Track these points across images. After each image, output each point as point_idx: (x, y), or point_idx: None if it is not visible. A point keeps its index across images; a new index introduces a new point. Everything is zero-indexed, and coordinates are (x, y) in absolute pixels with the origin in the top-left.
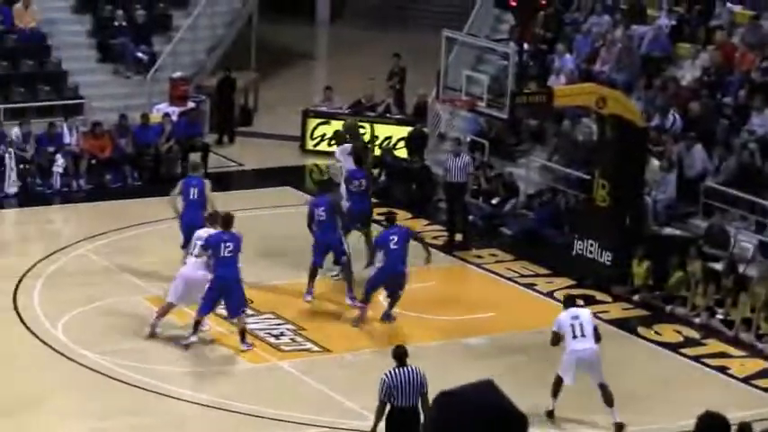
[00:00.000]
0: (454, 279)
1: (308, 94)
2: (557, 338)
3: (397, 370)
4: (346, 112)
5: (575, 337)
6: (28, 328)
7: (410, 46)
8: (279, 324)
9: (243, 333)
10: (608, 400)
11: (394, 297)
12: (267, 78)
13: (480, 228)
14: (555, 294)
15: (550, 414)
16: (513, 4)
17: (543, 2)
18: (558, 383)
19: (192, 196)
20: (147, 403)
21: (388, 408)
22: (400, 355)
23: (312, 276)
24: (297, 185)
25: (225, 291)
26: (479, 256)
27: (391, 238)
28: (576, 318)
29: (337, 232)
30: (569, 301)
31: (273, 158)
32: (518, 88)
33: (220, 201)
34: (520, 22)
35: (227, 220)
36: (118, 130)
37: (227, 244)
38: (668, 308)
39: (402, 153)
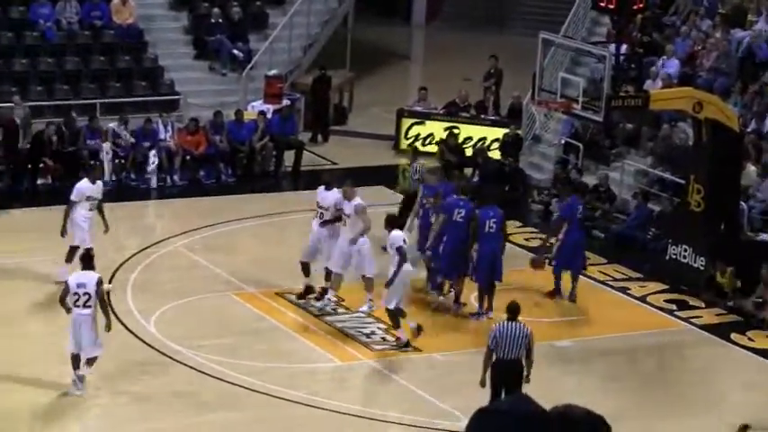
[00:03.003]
0: (545, 281)
1: (402, 95)
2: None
3: (506, 323)
4: (441, 112)
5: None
6: (121, 321)
7: (506, 47)
8: (370, 322)
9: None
10: None
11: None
12: (362, 78)
13: None
14: (648, 299)
15: None
16: (611, 6)
17: (640, 4)
18: None
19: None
20: (238, 399)
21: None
22: (513, 309)
23: (488, 294)
24: (390, 185)
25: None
26: None
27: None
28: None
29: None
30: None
31: (367, 157)
32: (614, 91)
33: (313, 199)
34: (617, 25)
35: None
36: (212, 126)
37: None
38: (762, 315)
39: (496, 154)
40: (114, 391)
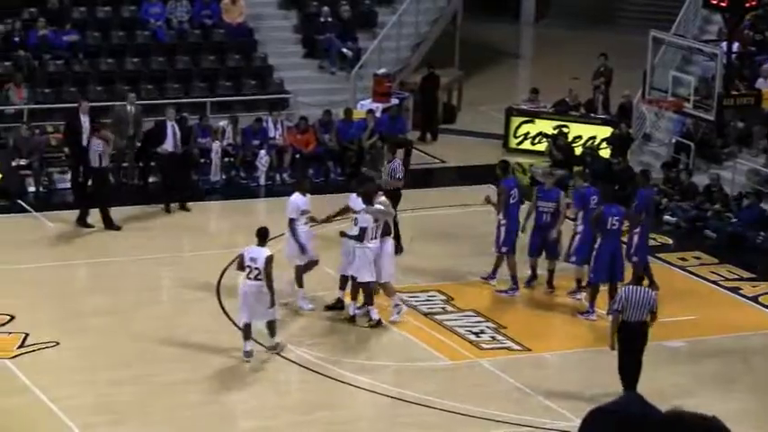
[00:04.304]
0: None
1: (511, 93)
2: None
3: (632, 287)
4: (550, 110)
5: None
6: (230, 319)
7: (616, 45)
8: (479, 321)
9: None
10: None
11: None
12: (471, 76)
13: (683, 229)
14: (760, 299)
15: None
16: (723, 4)
17: (753, 2)
18: None
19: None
20: (344, 397)
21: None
22: (639, 278)
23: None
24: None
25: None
26: (683, 258)
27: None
28: None
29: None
30: None
31: (476, 156)
32: (725, 90)
33: (422, 197)
34: (729, 23)
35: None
36: (322, 125)
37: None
38: None
39: (605, 153)
40: (221, 390)
